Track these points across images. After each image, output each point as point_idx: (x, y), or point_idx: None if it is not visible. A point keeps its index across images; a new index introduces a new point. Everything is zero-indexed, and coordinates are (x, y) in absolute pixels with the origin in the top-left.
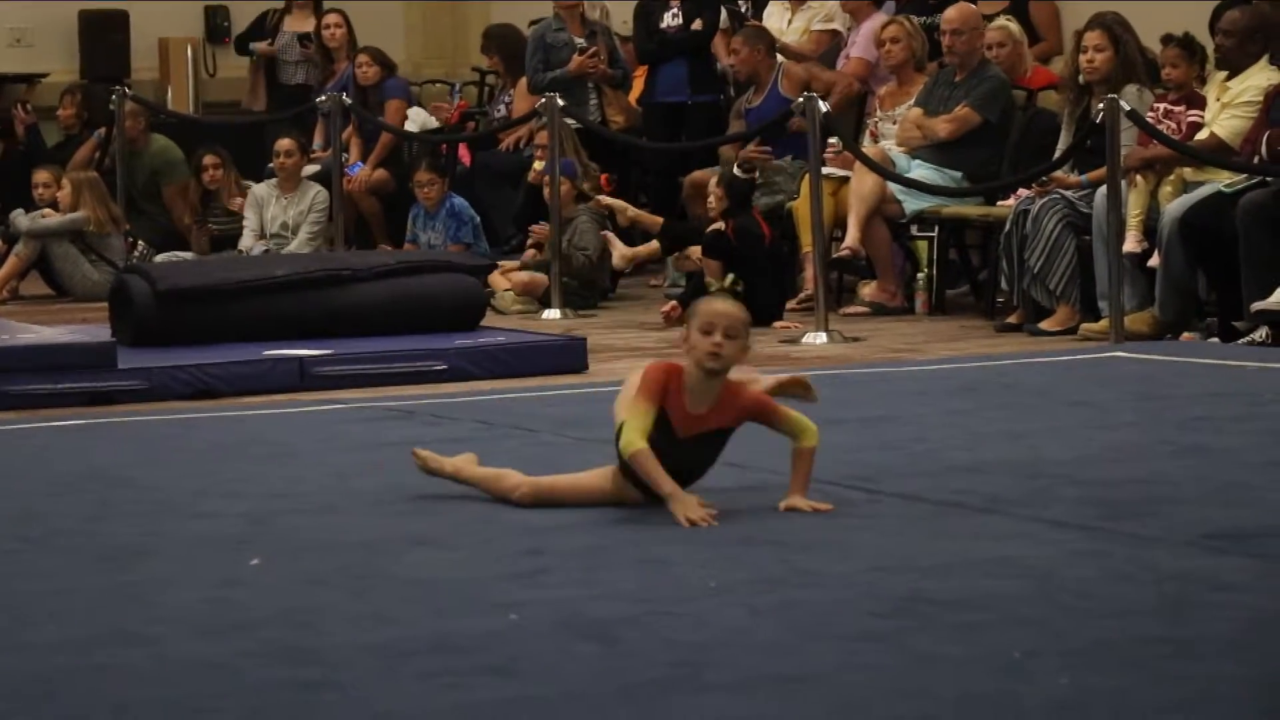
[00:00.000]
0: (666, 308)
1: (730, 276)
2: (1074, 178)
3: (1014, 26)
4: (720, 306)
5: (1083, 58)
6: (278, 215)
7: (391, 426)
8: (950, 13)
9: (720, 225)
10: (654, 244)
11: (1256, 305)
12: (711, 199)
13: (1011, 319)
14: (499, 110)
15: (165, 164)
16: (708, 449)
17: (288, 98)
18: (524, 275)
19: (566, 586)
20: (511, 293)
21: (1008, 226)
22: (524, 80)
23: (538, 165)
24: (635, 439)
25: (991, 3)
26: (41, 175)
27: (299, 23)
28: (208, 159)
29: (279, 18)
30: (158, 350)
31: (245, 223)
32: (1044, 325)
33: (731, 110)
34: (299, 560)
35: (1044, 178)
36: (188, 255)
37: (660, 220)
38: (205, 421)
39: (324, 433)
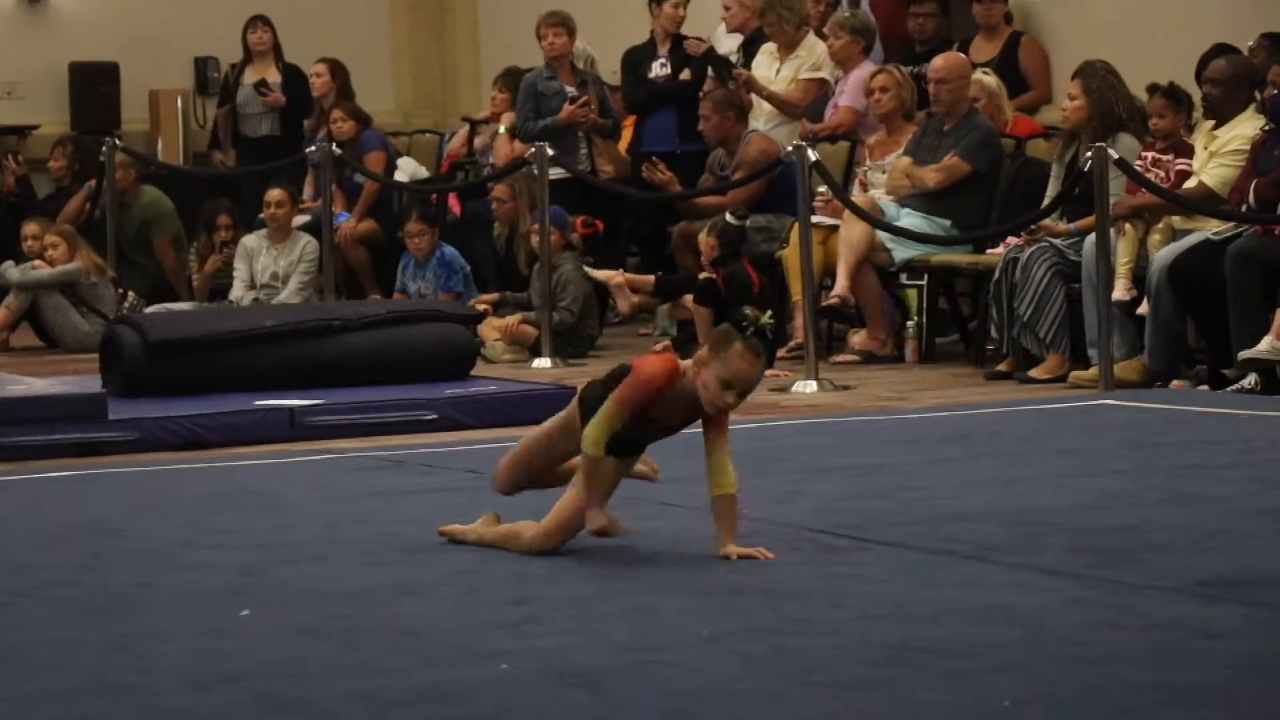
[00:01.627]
0: (659, 346)
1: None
2: (1062, 226)
3: (989, 80)
4: (752, 370)
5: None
6: (268, 265)
7: (382, 476)
8: (937, 61)
9: (711, 274)
10: (650, 278)
11: (1244, 354)
12: (705, 248)
13: (1001, 367)
14: (493, 156)
15: (155, 215)
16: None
17: (254, 150)
18: (513, 322)
19: (556, 636)
20: (501, 342)
21: (997, 275)
22: None
23: (499, 227)
24: (599, 443)
25: (983, 50)
26: (31, 227)
27: (259, 73)
28: (222, 219)
29: (239, 71)
30: (148, 401)
31: (235, 273)
32: (1034, 373)
33: (705, 166)
34: (289, 611)
35: (1033, 226)
36: (178, 306)
37: (651, 278)
38: (195, 472)
39: (314, 483)
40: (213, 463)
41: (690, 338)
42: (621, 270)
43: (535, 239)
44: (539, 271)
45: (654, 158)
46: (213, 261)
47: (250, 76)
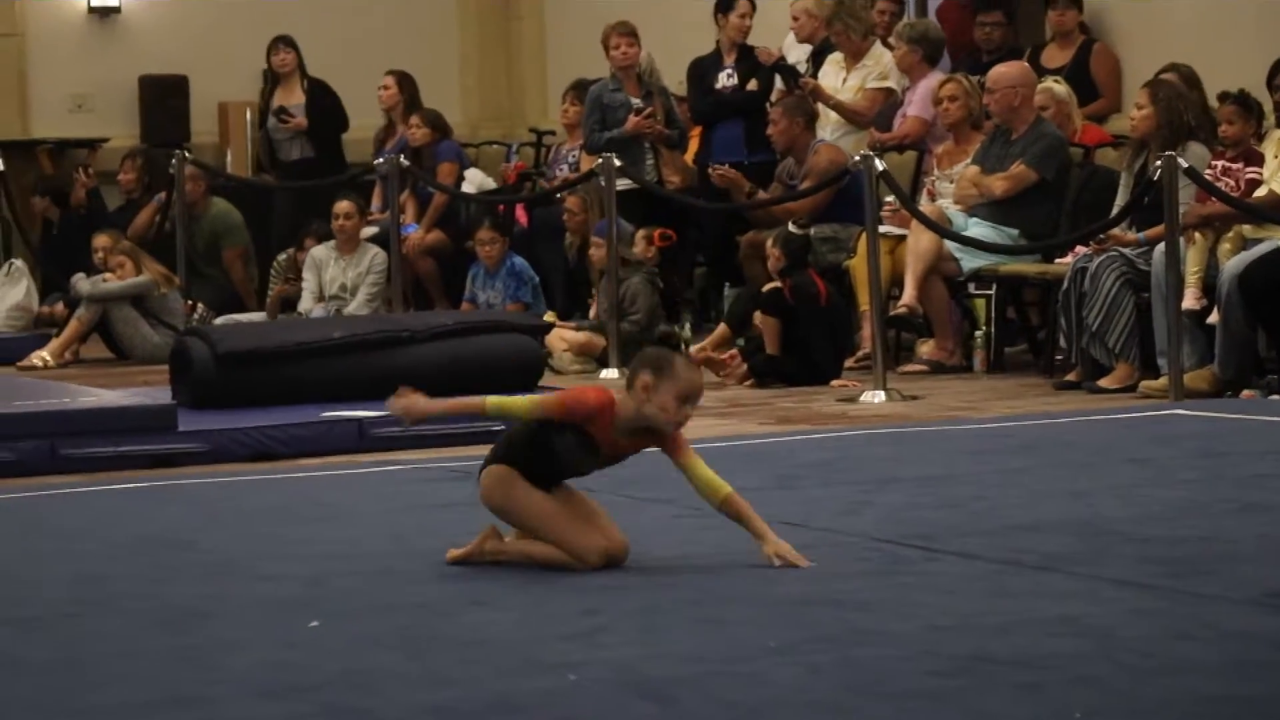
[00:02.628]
0: (725, 355)
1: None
2: (1131, 235)
3: (1059, 88)
4: (699, 379)
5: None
6: (336, 277)
7: (450, 487)
8: (992, 71)
9: (777, 284)
10: (721, 329)
11: None
12: (770, 258)
13: (1070, 377)
14: (561, 169)
15: (225, 227)
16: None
17: (291, 174)
18: (581, 335)
19: (624, 646)
20: (569, 353)
21: (1065, 284)
22: None
23: (570, 237)
24: (500, 405)
25: (1055, 57)
26: (102, 239)
27: (286, 96)
28: (309, 240)
29: (268, 94)
30: (218, 413)
31: (304, 284)
32: (1103, 383)
33: (774, 175)
34: (358, 622)
35: (1101, 235)
36: (246, 316)
37: (723, 328)
38: (265, 484)
39: (382, 494)
40: (282, 474)
41: (759, 348)
42: (697, 347)
43: (596, 252)
44: (605, 283)
45: (717, 162)
46: (279, 289)
47: (278, 98)
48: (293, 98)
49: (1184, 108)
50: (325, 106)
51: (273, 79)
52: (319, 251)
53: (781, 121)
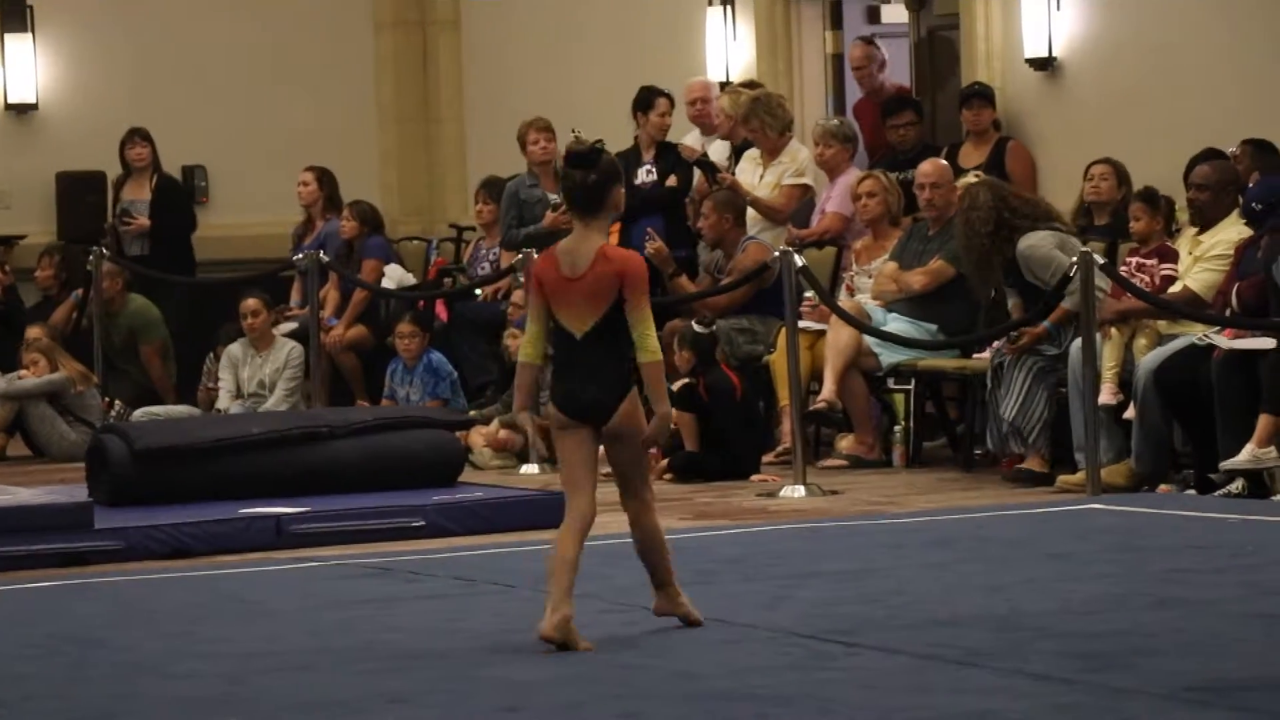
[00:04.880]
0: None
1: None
2: (1039, 328)
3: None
4: None
5: None
6: (254, 374)
7: (369, 584)
8: (925, 166)
9: (689, 380)
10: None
11: (1225, 464)
12: (678, 360)
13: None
14: (483, 267)
15: (143, 323)
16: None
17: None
18: (502, 433)
19: None
20: (489, 449)
21: (989, 377)
22: None
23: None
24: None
25: (971, 156)
26: (34, 331)
27: (136, 191)
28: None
29: (119, 188)
30: (135, 510)
31: (220, 383)
32: (1024, 465)
33: (703, 266)
34: None
35: (1014, 334)
36: (165, 409)
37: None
38: (181, 581)
39: (300, 591)
40: (199, 571)
41: (678, 445)
42: None
43: (514, 343)
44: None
45: (650, 230)
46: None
47: (129, 191)
48: (142, 193)
49: (974, 219)
50: (171, 204)
51: (125, 172)
52: (235, 349)
53: (712, 216)
